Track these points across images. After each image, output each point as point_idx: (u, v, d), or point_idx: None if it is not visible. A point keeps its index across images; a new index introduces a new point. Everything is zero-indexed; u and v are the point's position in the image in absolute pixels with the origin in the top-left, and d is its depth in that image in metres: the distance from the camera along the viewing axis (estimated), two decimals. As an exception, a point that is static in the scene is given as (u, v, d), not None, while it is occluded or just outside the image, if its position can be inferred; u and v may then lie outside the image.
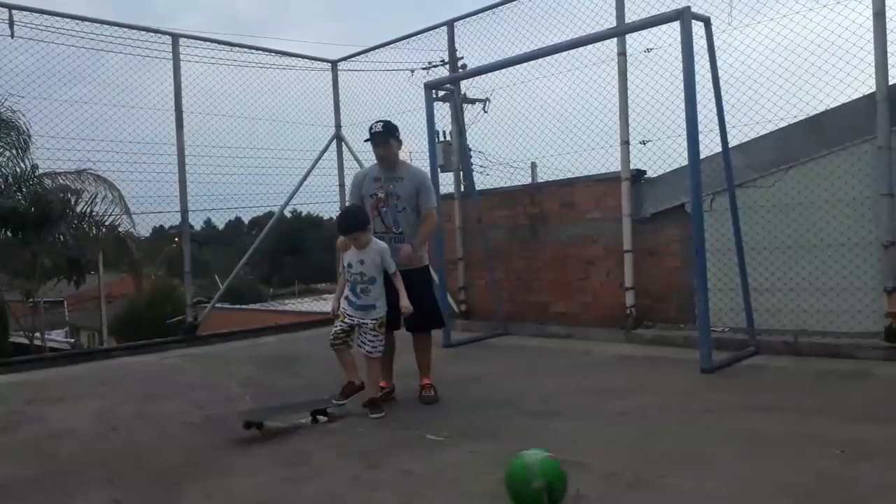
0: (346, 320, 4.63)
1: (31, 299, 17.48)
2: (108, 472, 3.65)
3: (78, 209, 11.89)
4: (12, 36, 7.40)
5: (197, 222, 10.94)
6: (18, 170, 11.59)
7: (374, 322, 4.61)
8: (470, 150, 8.96)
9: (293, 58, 9.83)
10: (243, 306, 20.05)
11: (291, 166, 9.95)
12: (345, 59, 10.11)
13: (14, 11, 7.30)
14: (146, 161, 8.56)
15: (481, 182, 8.93)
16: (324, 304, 12.63)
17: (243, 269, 11.35)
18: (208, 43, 8.92)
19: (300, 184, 9.65)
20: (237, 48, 9.22)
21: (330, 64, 10.19)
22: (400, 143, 4.94)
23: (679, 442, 3.66)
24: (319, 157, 9.88)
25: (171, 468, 3.67)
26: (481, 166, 10.21)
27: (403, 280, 4.68)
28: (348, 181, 7.38)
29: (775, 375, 5.16)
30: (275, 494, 3.23)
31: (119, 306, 25.31)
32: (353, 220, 4.62)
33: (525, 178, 9.51)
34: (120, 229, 13.36)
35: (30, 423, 4.79)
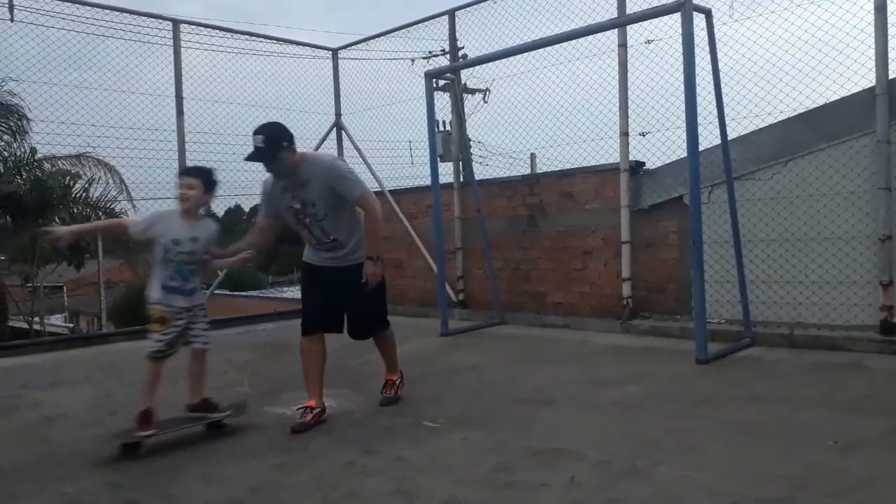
0: (177, 323, 3.79)
1: (31, 283, 17.51)
2: (104, 457, 3.67)
3: (77, 193, 11.92)
4: (12, 20, 7.37)
5: (196, 209, 10.94)
6: (17, 154, 11.60)
7: (204, 308, 3.96)
8: (469, 140, 8.95)
9: (294, 45, 9.81)
10: (241, 293, 20.07)
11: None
12: (345, 46, 10.08)
13: (13, -6, 7.28)
14: (146, 147, 8.57)
15: (480, 172, 8.94)
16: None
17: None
18: (208, 30, 8.89)
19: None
20: (237, 35, 9.20)
21: (331, 52, 10.16)
22: (293, 148, 4.00)
23: (673, 431, 3.69)
24: (319, 145, 9.87)
25: (168, 453, 3.70)
26: (481, 156, 10.22)
27: (344, 276, 4.16)
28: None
29: (770, 367, 5.19)
30: (269, 479, 3.25)
31: (118, 292, 25.33)
32: (207, 170, 3.94)
33: (524, 169, 9.52)
34: (118, 214, 13.39)
35: (25, 408, 4.81)
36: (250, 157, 3.93)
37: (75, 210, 12.21)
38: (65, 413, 4.62)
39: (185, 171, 3.98)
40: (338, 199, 4.04)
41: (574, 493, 2.92)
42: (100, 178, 11.80)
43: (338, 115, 10.17)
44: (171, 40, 8.40)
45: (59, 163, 12.44)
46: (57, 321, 25.85)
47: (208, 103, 8.85)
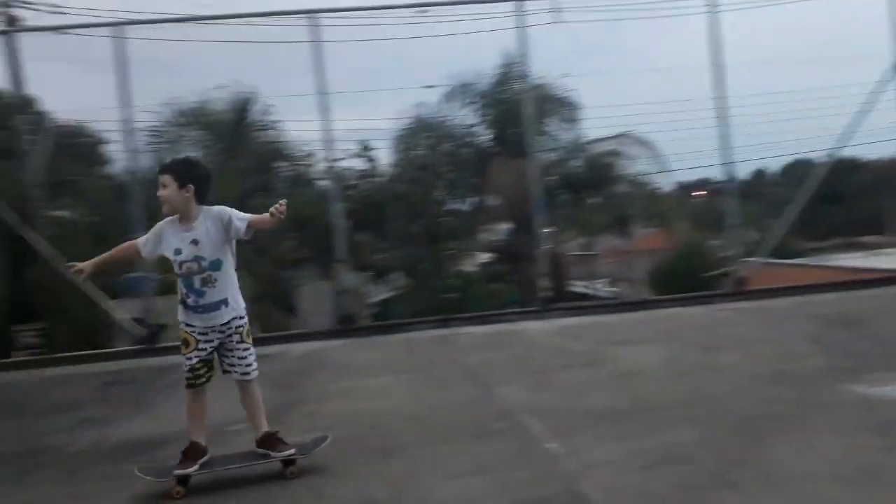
0: (202, 347, 3.34)
1: (587, 252, 20.23)
2: (687, 414, 3.92)
3: (621, 171, 13.20)
4: (552, 24, 8.41)
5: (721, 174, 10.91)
6: (572, 139, 13.48)
7: (239, 327, 3.39)
8: None
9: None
10: (783, 261, 18.87)
11: (836, 107, 8.90)
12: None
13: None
14: (681, 119, 8.84)
15: None
16: (879, 261, 10.99)
17: (769, 221, 10.71)
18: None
19: (852, 126, 8.51)
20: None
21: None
22: None
23: None
24: (878, 93, 8.52)
25: (748, 418, 3.73)
26: None
27: None
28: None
29: None
30: (871, 461, 2.98)
31: (653, 260, 26.85)
32: (180, 162, 3.50)
33: None
34: (653, 186, 14.37)
35: (607, 362, 5.47)
36: None
37: (620, 187, 13.55)
38: (642, 369, 5.11)
39: (158, 168, 3.46)
40: None
41: None
42: (639, 156, 12.85)
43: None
44: (698, 11, 8.38)
45: (604, 144, 13.95)
46: (599, 286, 28.90)
47: (742, 67, 8.60)
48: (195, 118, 13.05)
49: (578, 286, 20.08)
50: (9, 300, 11.06)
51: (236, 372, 3.39)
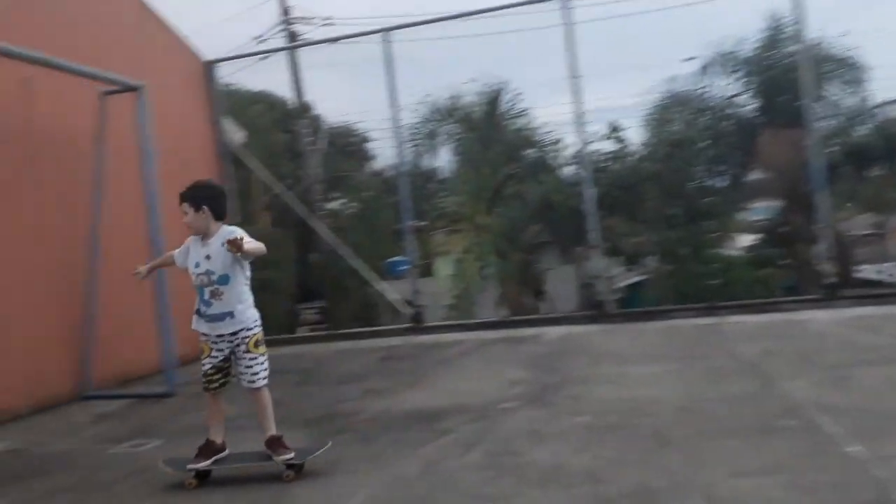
0: (214, 354, 3.58)
1: (876, 231, 17.56)
2: None
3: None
4: None
5: None
6: (857, 105, 11.70)
7: (246, 338, 3.56)
8: None
9: None
10: None
11: None
12: None
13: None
14: None
15: None
16: None
17: None
18: None
19: None
20: None
21: None
22: None
23: None
24: None
25: None
26: None
27: None
28: None
29: None
30: None
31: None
32: (191, 188, 3.59)
33: None
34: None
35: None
36: None
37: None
38: None
39: (179, 198, 3.62)
40: None
41: None
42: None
43: None
44: None
45: (896, 106, 11.92)
46: (891, 270, 24.90)
47: None
48: (450, 112, 13.69)
49: (866, 271, 17.43)
50: (295, 281, 12.75)
51: (244, 380, 3.60)
